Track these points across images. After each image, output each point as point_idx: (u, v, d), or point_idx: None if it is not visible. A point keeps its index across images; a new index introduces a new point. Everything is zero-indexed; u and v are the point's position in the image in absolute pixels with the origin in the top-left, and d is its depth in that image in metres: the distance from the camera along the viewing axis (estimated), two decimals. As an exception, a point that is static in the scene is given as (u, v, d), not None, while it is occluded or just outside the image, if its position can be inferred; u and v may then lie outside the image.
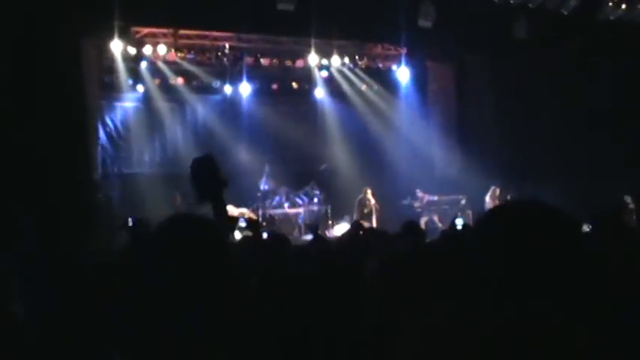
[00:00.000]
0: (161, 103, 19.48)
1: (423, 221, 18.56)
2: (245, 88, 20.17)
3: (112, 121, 19.09)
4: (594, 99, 17.68)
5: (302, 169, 20.17)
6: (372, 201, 18.96)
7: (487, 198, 18.68)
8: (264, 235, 7.45)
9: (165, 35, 18.53)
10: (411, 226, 7.34)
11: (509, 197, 17.85)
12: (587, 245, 1.90)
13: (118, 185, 17.86)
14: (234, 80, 20.02)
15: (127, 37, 17.10)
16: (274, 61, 19.63)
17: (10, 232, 7.95)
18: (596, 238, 4.46)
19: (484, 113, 20.61)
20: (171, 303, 2.33)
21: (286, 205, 19.39)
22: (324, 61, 20.01)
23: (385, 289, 3.41)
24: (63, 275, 3.71)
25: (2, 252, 4.41)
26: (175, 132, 19.76)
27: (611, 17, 16.26)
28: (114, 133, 19.10)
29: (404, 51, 20.90)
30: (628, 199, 16.79)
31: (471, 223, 16.53)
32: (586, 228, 4.89)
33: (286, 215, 19.17)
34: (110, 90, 18.54)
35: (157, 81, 19.06)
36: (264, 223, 17.73)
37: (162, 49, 18.19)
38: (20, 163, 12.74)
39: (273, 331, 2.91)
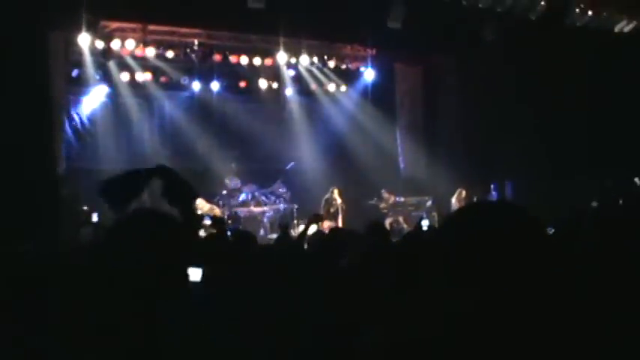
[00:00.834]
0: (128, 99, 19.28)
1: (388, 222, 18.60)
2: (213, 85, 20.09)
3: (79, 115, 18.89)
4: (562, 101, 17.90)
5: (269, 168, 20.14)
6: (339, 201, 18.95)
7: (453, 200, 18.79)
8: (229, 233, 7.41)
9: (134, 30, 18.34)
10: (376, 226, 7.34)
11: (475, 199, 17.95)
12: (551, 246, 1.92)
13: (84, 181, 17.63)
14: (203, 77, 19.92)
15: (95, 31, 16.92)
16: (243, 58, 19.50)
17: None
18: (560, 239, 4.50)
19: (451, 114, 20.76)
20: (131, 301, 2.33)
21: (252, 203, 19.32)
22: (293, 60, 20.01)
23: (355, 288, 3.42)
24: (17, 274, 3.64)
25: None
26: (142, 128, 19.56)
27: (578, 23, 16.49)
28: (80, 128, 18.88)
29: (372, 52, 20.94)
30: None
31: (436, 224, 16.67)
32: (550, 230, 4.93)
33: (252, 213, 19.10)
34: (77, 84, 18.32)
35: (125, 76, 18.85)
36: (229, 221, 17.65)
37: (130, 43, 18.00)
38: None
39: (236, 330, 2.88)
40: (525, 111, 18.48)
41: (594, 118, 18.14)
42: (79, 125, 18.85)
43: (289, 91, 21.36)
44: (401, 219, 19.62)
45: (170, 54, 18.76)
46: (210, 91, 20.25)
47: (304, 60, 20.02)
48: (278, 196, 19.62)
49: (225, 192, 19.16)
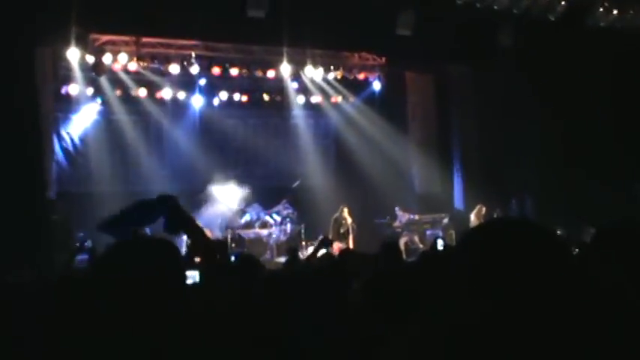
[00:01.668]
0: (122, 117, 19.15)
1: (402, 241, 18.41)
2: (213, 100, 20.00)
3: (69, 135, 18.79)
4: (584, 109, 17.70)
5: (274, 186, 20.02)
6: (349, 220, 18.77)
7: (472, 216, 18.59)
8: (232, 258, 7.29)
9: (126, 43, 18.20)
10: (389, 247, 7.23)
11: (495, 216, 17.78)
12: (574, 266, 1.89)
13: (75, 205, 17.51)
14: (201, 92, 19.83)
15: (85, 44, 16.80)
16: (244, 71, 19.38)
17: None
18: (585, 260, 4.41)
19: (467, 126, 20.60)
20: (125, 330, 2.31)
21: (256, 224, 19.16)
22: (297, 71, 19.87)
23: (369, 311, 3.41)
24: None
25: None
26: (138, 147, 19.40)
27: (602, 24, 16.29)
28: (70, 149, 18.78)
29: (382, 61, 20.84)
30: None
31: (454, 243, 16.48)
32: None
33: (257, 235, 18.92)
34: (66, 102, 18.21)
35: (118, 92, 18.75)
36: (233, 245, 17.52)
37: (123, 57, 17.86)
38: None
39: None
40: (546, 121, 18.32)
41: (620, 127, 17.94)
42: (69, 145, 18.75)
43: (294, 105, 21.22)
44: (416, 238, 19.42)
45: (166, 68, 18.64)
46: (209, 106, 20.14)
47: (309, 71, 19.83)
48: (284, 217, 19.46)
49: (228, 214, 18.98)
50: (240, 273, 5.82)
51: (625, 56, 17.10)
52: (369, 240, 16.46)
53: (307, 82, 20.74)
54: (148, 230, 6.55)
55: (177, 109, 20.02)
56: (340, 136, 21.65)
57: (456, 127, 21.12)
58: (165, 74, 18.95)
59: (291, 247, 14.11)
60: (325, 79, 20.76)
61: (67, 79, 17.77)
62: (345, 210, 18.87)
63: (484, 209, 18.46)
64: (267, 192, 19.84)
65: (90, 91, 18.32)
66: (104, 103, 18.82)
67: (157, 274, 2.44)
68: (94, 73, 17.85)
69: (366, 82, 21.30)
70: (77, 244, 14.52)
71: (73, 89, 18.03)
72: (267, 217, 19.35)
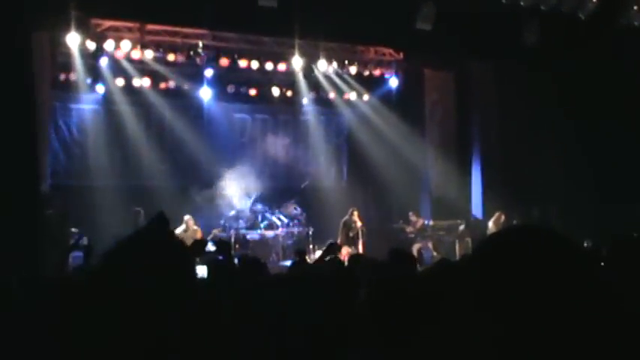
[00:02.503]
0: (123, 107, 19.08)
1: (415, 248, 18.37)
2: (220, 93, 19.97)
3: (67, 125, 18.74)
4: (613, 114, 17.59)
5: (281, 186, 20.03)
6: (359, 224, 18.69)
7: (491, 224, 18.49)
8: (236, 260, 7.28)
9: (130, 30, 18.18)
10: (399, 253, 7.15)
11: (515, 224, 17.69)
12: (596, 277, 1.86)
13: (72, 199, 17.50)
14: (208, 83, 19.78)
15: (85, 29, 16.76)
16: (253, 63, 19.36)
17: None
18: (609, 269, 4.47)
19: (487, 128, 20.52)
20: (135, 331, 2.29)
21: (262, 226, 19.13)
22: (309, 65, 19.82)
23: (376, 320, 3.36)
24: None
25: None
26: (138, 140, 19.35)
27: (636, 22, 16.17)
28: (68, 140, 18.74)
29: (399, 56, 20.78)
30: None
31: (469, 252, 16.40)
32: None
33: (262, 237, 18.90)
34: (65, 90, 18.13)
35: (120, 81, 18.71)
36: (237, 246, 17.50)
37: (126, 45, 17.81)
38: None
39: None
40: (571, 125, 18.22)
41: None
42: (66, 136, 18.74)
43: (305, 100, 21.19)
44: (430, 245, 19.36)
45: (171, 57, 18.57)
46: (216, 99, 20.10)
47: (322, 65, 19.78)
48: (291, 218, 19.45)
49: (232, 213, 18.98)
50: (241, 276, 5.80)
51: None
52: (380, 245, 16.36)
53: (320, 76, 20.66)
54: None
55: (182, 101, 19.91)
56: (353, 135, 21.59)
57: (477, 129, 21.01)
58: (170, 64, 18.88)
59: (297, 250, 14.04)
60: (338, 74, 20.70)
61: (66, 66, 17.65)
62: (355, 213, 18.77)
63: (503, 217, 18.34)
64: (274, 191, 19.84)
65: (89, 79, 18.24)
66: (104, 92, 18.75)
67: (169, 274, 2.41)
68: (94, 60, 17.82)
69: (382, 79, 21.21)
70: (72, 242, 14.58)
71: (71, 77, 17.95)
72: (274, 218, 19.33)
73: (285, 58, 19.45)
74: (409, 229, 19.57)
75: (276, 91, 20.54)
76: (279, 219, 19.41)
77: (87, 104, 18.82)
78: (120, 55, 18.08)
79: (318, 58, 19.62)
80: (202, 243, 9.18)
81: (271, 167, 20.30)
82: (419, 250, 18.56)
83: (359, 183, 20.51)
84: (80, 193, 17.75)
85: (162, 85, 19.39)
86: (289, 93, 20.87)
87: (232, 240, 17.59)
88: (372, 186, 20.55)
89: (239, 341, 3.61)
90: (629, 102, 17.49)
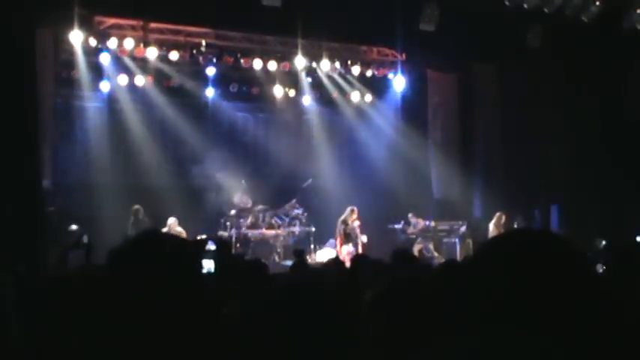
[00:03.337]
0: (126, 105, 19.07)
1: (416, 249, 18.36)
2: (222, 92, 19.97)
3: (69, 122, 18.74)
4: (616, 116, 17.60)
5: (283, 185, 19.99)
6: (357, 222, 18.63)
7: (491, 225, 18.48)
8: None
9: (133, 28, 18.17)
10: (403, 255, 7.14)
11: (516, 225, 17.70)
12: (596, 281, 1.88)
13: (73, 197, 17.50)
14: (211, 82, 19.78)
15: (89, 27, 16.77)
16: (256, 62, 19.35)
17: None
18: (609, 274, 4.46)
19: (491, 130, 20.52)
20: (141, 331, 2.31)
21: (263, 225, 19.11)
22: (312, 65, 19.83)
23: (379, 324, 3.34)
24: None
25: None
26: (140, 138, 19.34)
27: (638, 25, 16.17)
28: (70, 137, 18.75)
29: (402, 57, 20.75)
30: None
31: (471, 253, 16.41)
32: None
33: (263, 237, 18.88)
34: (68, 87, 18.11)
35: (123, 79, 18.70)
36: (238, 245, 17.49)
37: (129, 43, 17.79)
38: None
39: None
40: (575, 127, 18.23)
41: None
42: (68, 133, 18.73)
43: (307, 100, 21.18)
44: (431, 246, 19.33)
45: (174, 56, 18.51)
46: (218, 98, 20.10)
47: (325, 65, 19.79)
48: (293, 218, 19.44)
49: (233, 212, 18.94)
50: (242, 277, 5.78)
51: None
52: (381, 246, 16.38)
53: (322, 76, 20.66)
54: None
55: (184, 99, 19.86)
56: (355, 135, 21.56)
57: (480, 130, 21.01)
58: (172, 62, 18.86)
59: (296, 250, 14.02)
60: (341, 75, 20.71)
61: (69, 63, 17.68)
62: (355, 211, 18.70)
63: (504, 218, 18.32)
64: (275, 191, 19.81)
65: (92, 77, 18.22)
66: (107, 90, 18.74)
67: (178, 273, 2.43)
68: (97, 57, 17.81)
69: (385, 79, 21.16)
70: (73, 239, 14.57)
71: (74, 74, 17.94)
72: (275, 218, 19.32)
73: (288, 58, 19.45)
74: (410, 229, 19.54)
75: (278, 91, 20.53)
76: (281, 218, 19.40)
77: (89, 102, 18.77)
78: (123, 52, 18.06)
79: (321, 58, 19.63)
80: (203, 242, 9.17)
81: (273, 166, 20.27)
82: (420, 251, 18.57)
83: (361, 183, 20.46)
84: (81, 190, 17.75)
85: (165, 84, 19.40)
86: (292, 92, 20.86)
87: (233, 239, 17.60)
88: (374, 186, 20.52)
89: (239, 343, 3.60)
90: (630, 102, 17.52)
